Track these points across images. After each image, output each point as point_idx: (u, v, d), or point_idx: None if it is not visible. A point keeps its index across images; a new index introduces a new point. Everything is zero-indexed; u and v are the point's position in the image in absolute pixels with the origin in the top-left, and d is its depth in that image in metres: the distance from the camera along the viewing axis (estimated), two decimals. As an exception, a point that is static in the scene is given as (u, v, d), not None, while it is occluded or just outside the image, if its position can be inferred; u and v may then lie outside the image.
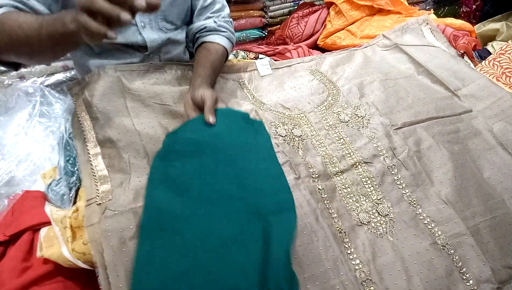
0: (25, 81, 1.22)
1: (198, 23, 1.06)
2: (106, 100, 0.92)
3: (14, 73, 1.26)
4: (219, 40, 1.05)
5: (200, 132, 0.85)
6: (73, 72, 1.51)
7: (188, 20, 1.13)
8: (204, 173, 0.79)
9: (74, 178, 0.90)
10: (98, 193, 0.78)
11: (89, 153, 0.85)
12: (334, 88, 1.12)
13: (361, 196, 0.88)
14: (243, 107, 1.02)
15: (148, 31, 1.01)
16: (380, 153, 0.94)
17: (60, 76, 1.48)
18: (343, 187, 0.88)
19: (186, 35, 1.11)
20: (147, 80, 1.00)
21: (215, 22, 1.05)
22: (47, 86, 1.32)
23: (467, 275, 0.78)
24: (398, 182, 0.90)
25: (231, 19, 1.11)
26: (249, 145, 0.87)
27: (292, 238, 0.72)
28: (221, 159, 0.81)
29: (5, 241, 0.86)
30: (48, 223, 0.84)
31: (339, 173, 0.90)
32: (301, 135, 0.97)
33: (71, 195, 0.88)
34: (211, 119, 0.85)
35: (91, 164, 0.84)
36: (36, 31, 0.67)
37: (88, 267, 0.74)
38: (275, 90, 1.12)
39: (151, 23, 1.02)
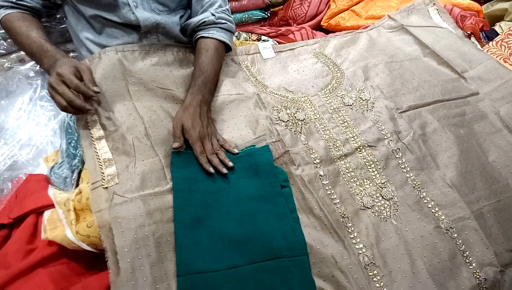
0: (25, 64, 1.21)
1: (197, 18, 1.03)
2: (108, 82, 0.91)
3: (14, 55, 1.25)
4: (218, 34, 1.01)
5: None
6: (71, 55, 1.49)
7: (186, 3, 1.10)
8: (212, 214, 0.77)
9: (76, 160, 0.90)
10: (104, 176, 0.78)
11: (92, 137, 0.85)
12: (338, 71, 1.10)
13: (365, 180, 0.87)
14: (246, 90, 1.01)
15: (140, 10, 1.00)
16: (385, 137, 0.93)
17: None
18: (347, 171, 0.88)
19: (185, 30, 1.08)
20: (149, 60, 0.99)
21: (213, 15, 1.02)
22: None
23: (470, 259, 0.78)
24: (403, 166, 0.89)
25: (227, 6, 1.09)
26: (254, 184, 0.83)
27: (312, 283, 0.72)
28: (227, 201, 0.80)
29: (9, 224, 0.86)
30: (51, 206, 0.85)
31: (343, 157, 0.90)
32: (304, 119, 0.96)
33: (73, 177, 0.88)
34: (211, 170, 0.81)
35: (95, 147, 0.83)
36: (29, 49, 0.90)
37: (93, 250, 0.75)
38: (278, 73, 1.10)
39: (142, 3, 1.00)
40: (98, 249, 0.75)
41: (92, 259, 0.79)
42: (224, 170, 0.81)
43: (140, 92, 0.92)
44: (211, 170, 0.81)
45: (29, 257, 0.80)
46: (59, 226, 0.80)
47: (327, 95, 1.02)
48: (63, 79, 0.79)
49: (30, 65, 1.17)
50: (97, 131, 0.85)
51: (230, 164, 0.82)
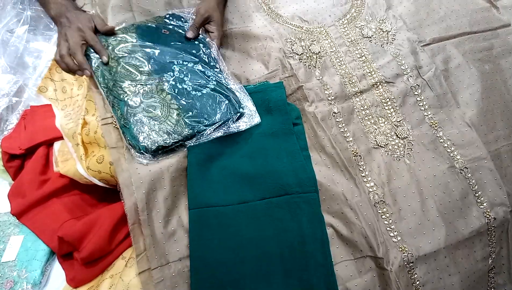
0: None
1: None
2: (114, 13, 0.86)
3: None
4: None
5: None
6: None
7: None
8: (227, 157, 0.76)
9: None
10: (112, 114, 0.76)
11: None
12: (358, -2, 1.02)
13: (380, 118, 0.84)
14: (257, 21, 0.94)
15: None
16: (404, 72, 0.88)
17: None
18: (362, 108, 0.85)
19: None
20: None
21: None
22: None
23: (481, 199, 0.77)
24: (421, 104, 0.86)
25: None
26: (266, 121, 0.80)
27: (322, 218, 0.72)
28: (238, 140, 0.78)
29: (21, 155, 0.87)
30: (61, 137, 0.85)
31: (358, 94, 0.86)
32: (319, 52, 0.90)
33: None
34: (188, 34, 0.83)
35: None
36: None
37: (104, 185, 0.75)
38: (293, 1, 1.02)
39: None
40: (109, 184, 0.75)
41: (104, 191, 0.81)
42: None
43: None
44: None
45: (43, 187, 0.82)
46: (69, 159, 0.80)
47: (345, 25, 0.95)
48: (83, 35, 0.78)
49: None
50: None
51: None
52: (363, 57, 0.90)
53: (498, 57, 0.93)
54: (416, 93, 0.86)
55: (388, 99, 0.86)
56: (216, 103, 0.76)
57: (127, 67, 0.77)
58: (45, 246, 0.76)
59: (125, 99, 0.74)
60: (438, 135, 0.83)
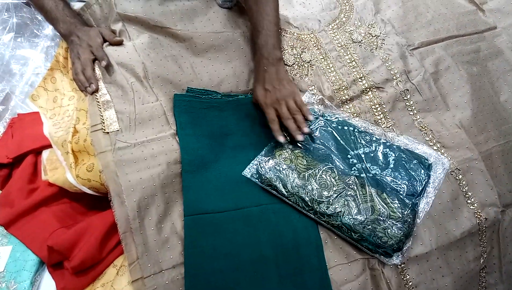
0: None
1: None
2: (104, 25, 0.87)
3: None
4: None
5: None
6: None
7: None
8: None
9: None
10: (103, 119, 0.76)
11: None
12: (347, 3, 1.02)
13: (370, 124, 0.85)
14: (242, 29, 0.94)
15: None
16: (394, 77, 0.89)
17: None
18: (352, 116, 0.85)
19: None
20: None
21: None
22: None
23: (472, 199, 0.78)
24: (410, 108, 0.87)
25: None
26: (258, 131, 0.82)
27: (315, 223, 0.72)
28: None
29: (9, 164, 0.86)
30: (49, 145, 0.83)
31: (349, 101, 0.87)
32: (310, 60, 0.91)
33: None
34: (281, 139, 0.74)
35: None
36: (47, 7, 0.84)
37: (94, 193, 0.74)
38: (282, 6, 1.01)
39: None
40: (99, 192, 0.74)
41: (94, 199, 0.80)
42: (300, 137, 0.74)
43: (139, 30, 0.87)
44: (281, 139, 0.74)
45: (32, 196, 0.81)
46: (58, 167, 0.79)
47: (334, 30, 0.96)
48: (92, 50, 0.81)
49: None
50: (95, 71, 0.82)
51: (306, 130, 0.74)
52: (353, 62, 0.91)
53: (485, 59, 0.94)
54: (405, 98, 0.87)
55: (378, 105, 0.86)
56: (408, 170, 0.76)
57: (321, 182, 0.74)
58: (34, 256, 0.75)
59: (346, 214, 0.70)
60: (427, 139, 0.83)
